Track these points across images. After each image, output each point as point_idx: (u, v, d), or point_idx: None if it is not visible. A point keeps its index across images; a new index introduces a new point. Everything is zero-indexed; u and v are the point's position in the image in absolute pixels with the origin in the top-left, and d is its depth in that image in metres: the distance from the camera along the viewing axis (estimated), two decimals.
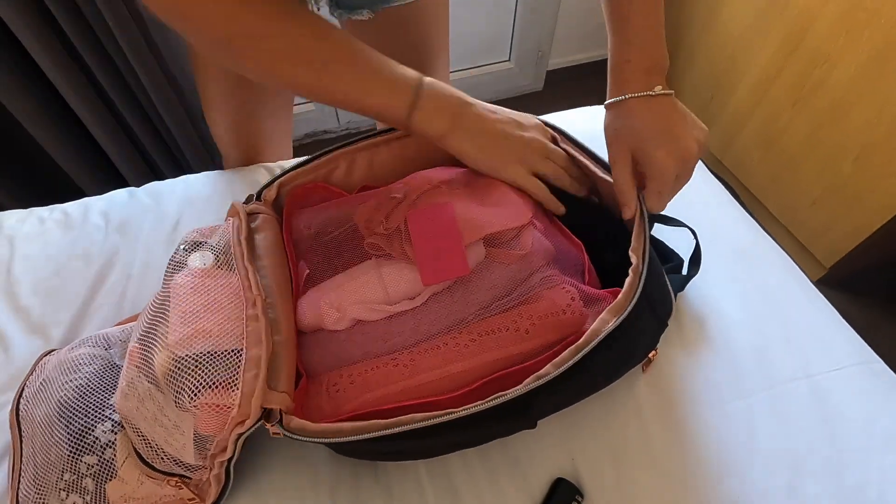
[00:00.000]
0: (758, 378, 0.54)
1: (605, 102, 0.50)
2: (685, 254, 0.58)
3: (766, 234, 0.69)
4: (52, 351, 0.55)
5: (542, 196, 0.50)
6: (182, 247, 0.47)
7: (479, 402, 0.37)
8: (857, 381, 0.54)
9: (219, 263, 0.44)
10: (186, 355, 0.38)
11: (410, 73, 0.47)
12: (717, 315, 0.59)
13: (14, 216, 0.71)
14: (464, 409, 0.37)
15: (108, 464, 0.45)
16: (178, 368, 0.38)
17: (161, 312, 0.42)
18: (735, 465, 0.48)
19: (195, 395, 0.37)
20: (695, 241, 0.56)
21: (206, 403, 0.37)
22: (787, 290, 0.61)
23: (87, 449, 0.45)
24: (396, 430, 0.36)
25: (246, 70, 0.45)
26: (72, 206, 0.73)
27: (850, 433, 0.50)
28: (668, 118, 0.46)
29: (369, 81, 0.45)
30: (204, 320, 0.40)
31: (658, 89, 0.47)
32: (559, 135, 0.54)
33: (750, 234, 0.68)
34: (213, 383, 0.38)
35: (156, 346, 0.40)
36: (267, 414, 0.39)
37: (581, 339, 0.39)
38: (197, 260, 0.44)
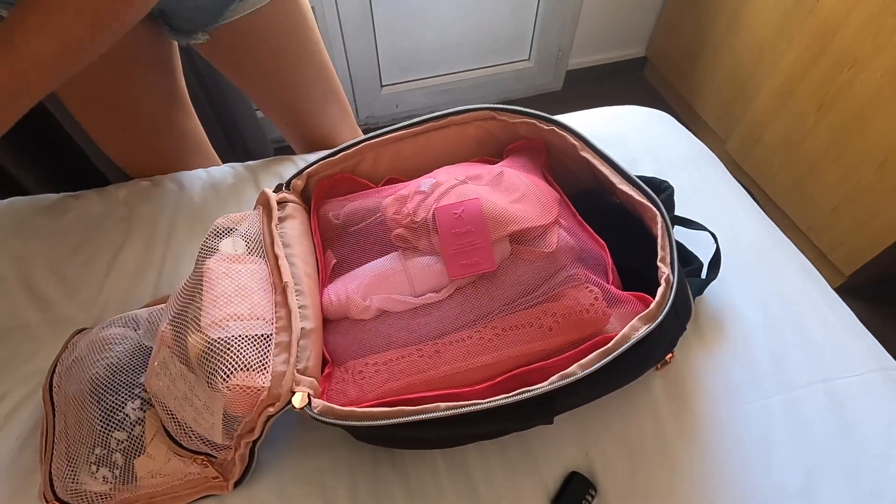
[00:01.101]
0: (775, 381, 0.54)
1: None
2: (705, 256, 0.58)
3: (786, 238, 0.68)
4: (83, 330, 0.57)
5: None
6: (213, 232, 0.48)
7: (505, 396, 0.38)
8: (875, 387, 0.53)
9: (249, 250, 0.46)
10: (219, 338, 0.39)
11: None
12: (736, 317, 0.59)
13: (44, 201, 0.73)
14: (488, 402, 0.37)
15: (137, 440, 0.47)
16: (211, 350, 0.39)
17: (193, 295, 0.43)
18: (749, 466, 0.49)
19: (227, 376, 0.38)
20: (715, 245, 0.56)
21: (238, 385, 0.38)
22: (806, 294, 0.61)
23: (117, 425, 0.47)
24: (422, 417, 0.37)
25: None
26: (98, 192, 0.75)
27: (866, 439, 0.50)
28: None
29: None
30: (235, 304, 0.41)
31: None
32: (579, 141, 0.53)
33: (770, 238, 0.67)
34: (245, 366, 0.39)
35: (188, 328, 0.41)
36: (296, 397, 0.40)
37: (610, 344, 0.40)
38: (228, 246, 0.45)
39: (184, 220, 0.71)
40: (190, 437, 0.45)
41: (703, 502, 0.47)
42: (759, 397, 0.53)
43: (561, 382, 0.38)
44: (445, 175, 0.49)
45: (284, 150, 0.85)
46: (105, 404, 0.47)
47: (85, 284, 0.64)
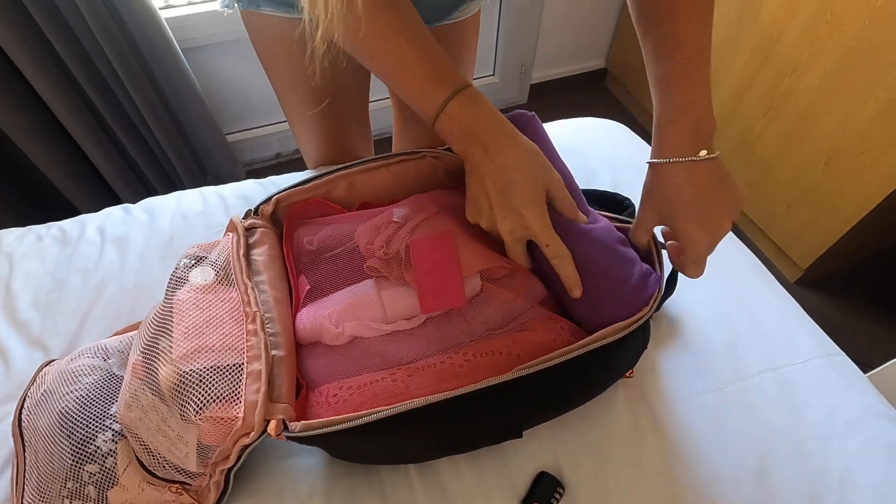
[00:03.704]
0: (728, 372, 0.57)
1: (648, 160, 0.48)
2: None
3: (736, 238, 0.72)
4: (52, 361, 0.57)
5: (522, 262, 0.47)
6: (183, 262, 0.49)
7: (470, 385, 0.38)
8: (820, 372, 0.57)
9: (219, 279, 0.46)
10: (191, 370, 0.40)
11: (458, 77, 0.44)
12: (691, 315, 0.62)
13: (12, 234, 0.72)
14: (452, 393, 0.38)
15: (110, 472, 0.47)
16: (184, 383, 0.40)
17: (163, 326, 0.44)
18: (707, 455, 0.51)
19: (200, 409, 0.39)
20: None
21: (211, 417, 0.39)
22: (755, 290, 0.65)
23: (88, 458, 0.47)
24: (390, 412, 0.38)
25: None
26: (68, 223, 0.74)
27: (813, 422, 0.54)
28: (706, 189, 0.44)
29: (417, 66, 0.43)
30: (206, 336, 0.42)
31: (703, 154, 0.44)
32: None
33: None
34: (218, 397, 0.39)
35: (159, 359, 0.42)
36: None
37: (572, 346, 0.41)
38: (198, 276, 0.46)
39: (155, 248, 0.71)
40: (164, 466, 0.45)
41: (666, 493, 0.49)
42: (715, 388, 0.56)
43: (523, 372, 0.39)
44: (419, 205, 0.50)
45: (256, 174, 0.85)
46: (76, 437, 0.47)
47: (56, 313, 0.63)
